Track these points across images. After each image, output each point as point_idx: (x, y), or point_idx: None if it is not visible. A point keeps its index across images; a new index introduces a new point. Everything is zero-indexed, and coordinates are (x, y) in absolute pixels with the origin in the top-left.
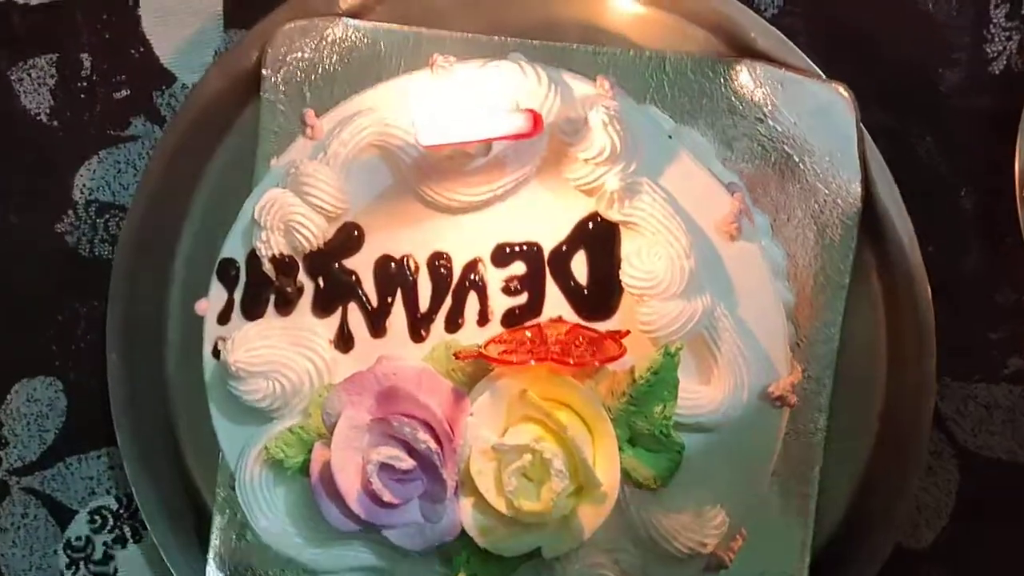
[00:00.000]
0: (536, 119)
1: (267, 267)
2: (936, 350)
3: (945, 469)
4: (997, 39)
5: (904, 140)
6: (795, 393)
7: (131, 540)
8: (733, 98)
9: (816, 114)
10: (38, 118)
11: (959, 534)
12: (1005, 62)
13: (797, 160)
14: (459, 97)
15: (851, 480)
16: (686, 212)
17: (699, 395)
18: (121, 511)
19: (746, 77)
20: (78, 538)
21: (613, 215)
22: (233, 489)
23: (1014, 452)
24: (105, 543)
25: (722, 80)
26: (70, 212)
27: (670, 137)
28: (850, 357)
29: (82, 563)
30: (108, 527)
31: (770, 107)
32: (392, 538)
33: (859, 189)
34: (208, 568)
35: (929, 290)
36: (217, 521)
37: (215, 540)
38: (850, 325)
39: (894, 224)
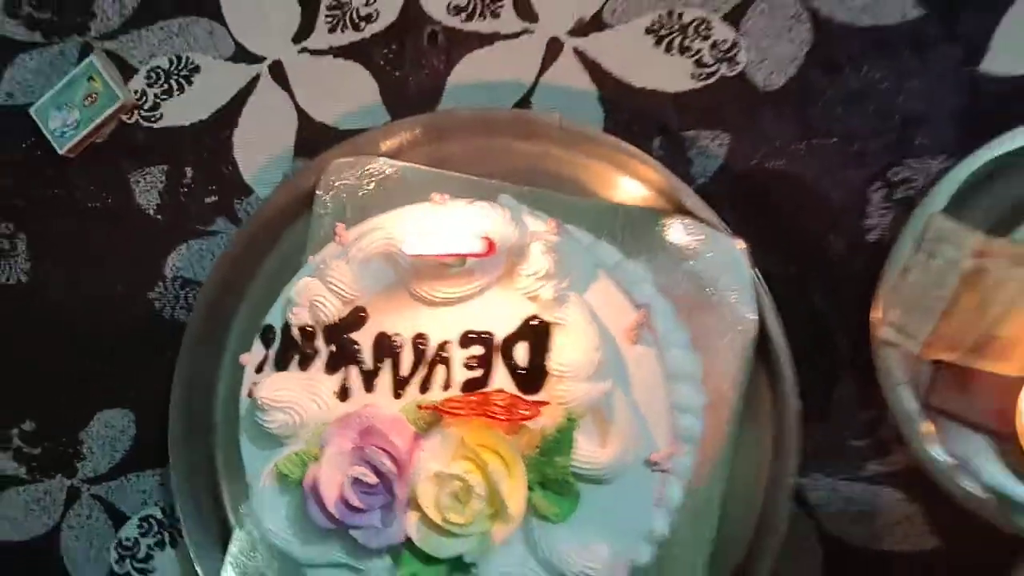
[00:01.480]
0: (491, 245)
1: (295, 333)
2: (803, 450)
3: (813, 551)
4: (874, 215)
5: (802, 287)
6: (670, 463)
7: (169, 545)
8: (667, 242)
9: (725, 261)
10: (147, 212)
11: None
12: (879, 233)
13: (711, 293)
14: (443, 224)
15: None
16: (600, 320)
17: (596, 454)
18: (165, 520)
19: (678, 227)
20: (128, 539)
21: (548, 317)
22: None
23: (868, 539)
24: (148, 545)
25: (660, 228)
26: (160, 284)
27: (596, 266)
28: (743, 450)
29: (128, 560)
30: (153, 532)
31: (693, 251)
32: (357, 537)
33: (755, 320)
34: (224, 570)
35: (800, 403)
36: (236, 532)
37: (233, 547)
38: (745, 426)
39: (781, 351)
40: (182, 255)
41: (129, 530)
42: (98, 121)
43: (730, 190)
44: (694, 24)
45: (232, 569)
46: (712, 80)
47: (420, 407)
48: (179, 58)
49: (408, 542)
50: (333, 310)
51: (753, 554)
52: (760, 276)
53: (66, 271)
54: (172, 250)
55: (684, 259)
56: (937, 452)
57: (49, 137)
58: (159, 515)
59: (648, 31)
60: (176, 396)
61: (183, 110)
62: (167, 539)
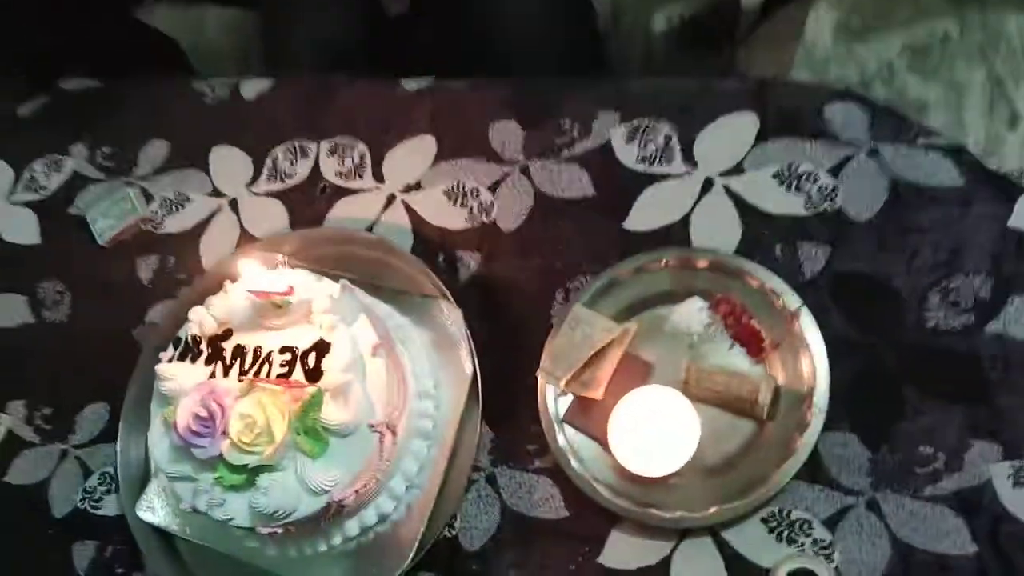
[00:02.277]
0: (290, 289)
1: (189, 340)
2: (496, 448)
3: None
4: (556, 308)
5: (507, 350)
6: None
7: (114, 492)
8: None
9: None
10: (143, 282)
11: None
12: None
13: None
14: (272, 278)
15: None
16: (356, 341)
17: (335, 416)
18: (114, 475)
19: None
20: (90, 487)
21: (327, 337)
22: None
23: (529, 510)
24: (102, 491)
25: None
26: (142, 325)
27: (360, 311)
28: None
29: (87, 500)
30: (106, 483)
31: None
32: (194, 451)
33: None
34: (138, 506)
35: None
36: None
37: (148, 489)
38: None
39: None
40: (158, 309)
41: (92, 480)
42: (125, 226)
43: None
44: None
45: (143, 502)
46: None
47: (241, 379)
48: (179, 192)
49: (222, 457)
50: (212, 327)
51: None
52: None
53: (87, 313)
54: (153, 304)
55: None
56: (566, 452)
57: (96, 234)
58: (112, 472)
59: None
60: (130, 393)
61: (178, 222)
62: (114, 488)
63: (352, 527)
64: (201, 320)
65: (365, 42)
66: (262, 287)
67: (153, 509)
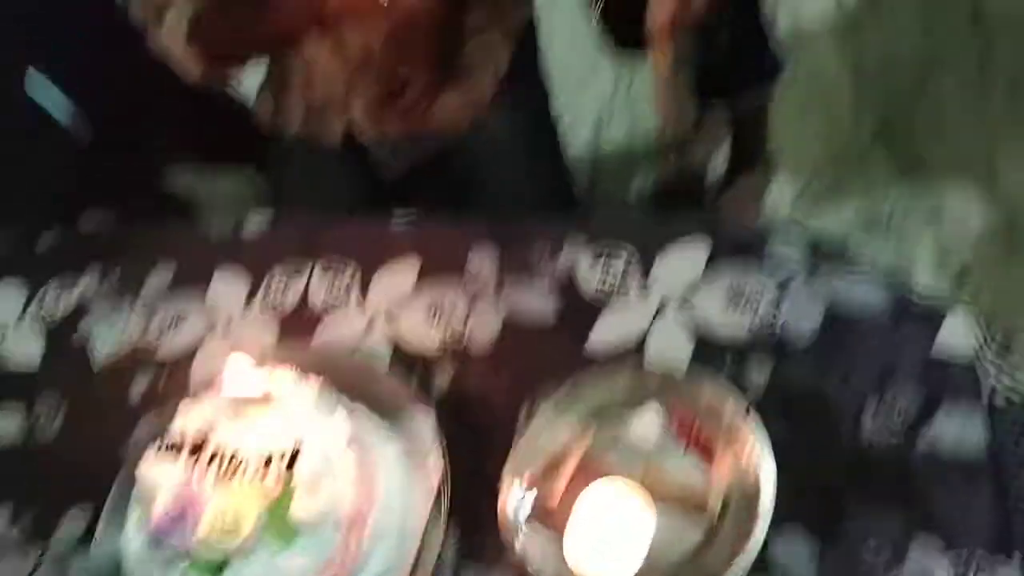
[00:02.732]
0: (267, 395)
1: (171, 442)
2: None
3: None
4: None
5: (480, 457)
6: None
7: None
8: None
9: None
10: (133, 403)
11: None
12: None
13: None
14: (259, 376)
15: None
16: (333, 433)
17: (304, 510)
18: None
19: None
20: None
21: (302, 434)
22: None
23: None
24: None
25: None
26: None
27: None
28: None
29: None
30: None
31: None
32: (167, 547)
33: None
34: None
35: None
36: None
37: None
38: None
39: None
40: (144, 426)
41: None
42: (122, 348)
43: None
44: None
45: None
46: None
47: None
48: (177, 316)
49: (192, 552)
50: (194, 428)
51: None
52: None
53: (77, 430)
54: (141, 421)
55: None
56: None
57: (94, 355)
58: None
59: None
60: (110, 502)
61: (173, 343)
62: None
63: None
64: (184, 421)
65: (361, 203)
66: (244, 391)
67: None
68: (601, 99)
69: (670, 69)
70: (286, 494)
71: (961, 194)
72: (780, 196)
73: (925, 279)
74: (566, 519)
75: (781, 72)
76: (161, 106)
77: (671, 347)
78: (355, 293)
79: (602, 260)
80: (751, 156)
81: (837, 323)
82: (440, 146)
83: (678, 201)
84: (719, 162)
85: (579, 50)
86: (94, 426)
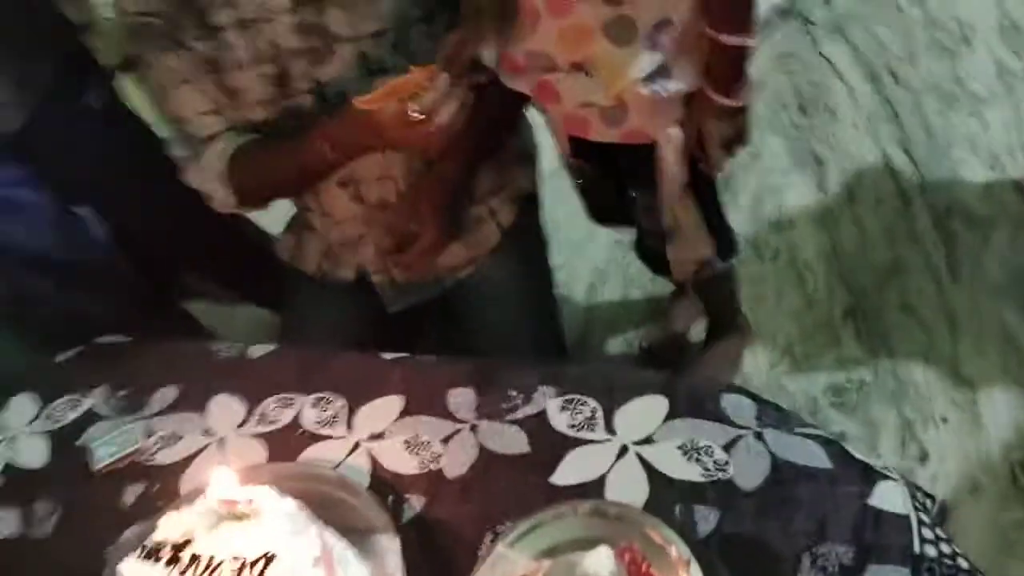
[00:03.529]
0: (250, 502)
1: (153, 546)
2: None
3: None
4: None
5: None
6: None
7: None
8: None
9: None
10: (125, 505)
11: None
12: None
13: None
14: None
15: None
16: (303, 550)
17: None
18: None
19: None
20: None
21: (275, 547)
22: None
23: None
24: None
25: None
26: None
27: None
28: None
29: None
30: None
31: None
32: None
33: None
34: None
35: None
36: None
37: None
38: None
39: None
40: (133, 529)
41: None
42: (121, 455)
43: None
44: None
45: None
46: None
47: None
48: (175, 432)
49: None
50: (176, 534)
51: None
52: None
53: (69, 531)
54: (130, 525)
55: None
56: None
57: (94, 462)
58: None
59: None
60: None
61: (169, 456)
62: None
63: None
64: (166, 527)
65: (366, 335)
66: (229, 496)
67: None
68: (596, 263)
69: (691, 217)
70: None
71: (924, 376)
72: (756, 365)
73: (888, 455)
74: None
75: (738, 253)
76: (186, 236)
77: (628, 488)
78: (342, 423)
79: (572, 405)
80: (724, 322)
81: (780, 478)
82: (442, 289)
83: (663, 359)
84: (699, 327)
85: (578, 216)
86: (87, 528)
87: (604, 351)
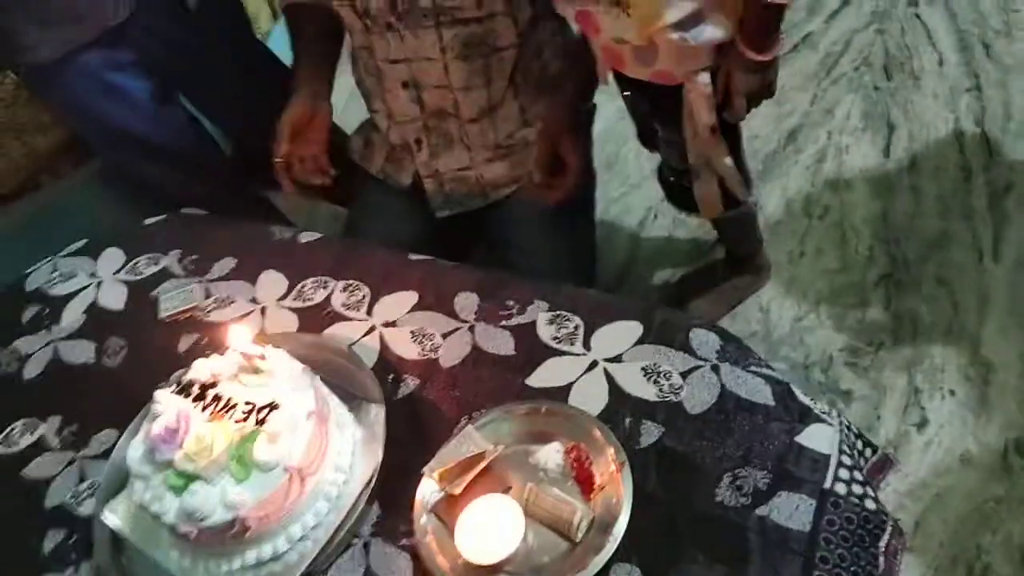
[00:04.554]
0: (263, 356)
1: (185, 383)
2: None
3: None
4: None
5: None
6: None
7: None
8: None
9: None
10: (176, 349)
11: None
12: None
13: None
14: (258, 348)
15: None
16: (301, 404)
17: (263, 454)
18: None
19: (375, 408)
20: None
21: (279, 398)
22: None
23: None
24: None
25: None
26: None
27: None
28: None
29: None
30: None
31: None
32: (157, 455)
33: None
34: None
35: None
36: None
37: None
38: None
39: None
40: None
41: (83, 486)
42: (182, 310)
43: None
44: None
45: (109, 506)
46: None
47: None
48: (229, 296)
49: (174, 462)
50: (205, 376)
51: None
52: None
53: (134, 367)
54: (181, 367)
55: None
56: (426, 536)
57: (160, 311)
58: (99, 480)
59: None
60: (133, 424)
61: (220, 316)
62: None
63: (251, 556)
64: (198, 369)
65: (417, 235)
66: (248, 351)
67: (116, 512)
68: (650, 201)
69: (720, 157)
70: (253, 436)
71: (943, 350)
72: (781, 315)
73: (888, 417)
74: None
75: (752, 194)
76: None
77: (590, 396)
78: (364, 308)
79: (558, 320)
80: (743, 259)
81: (724, 407)
82: (485, 202)
83: (692, 293)
84: (723, 264)
85: (634, 152)
86: (148, 365)
87: (642, 285)
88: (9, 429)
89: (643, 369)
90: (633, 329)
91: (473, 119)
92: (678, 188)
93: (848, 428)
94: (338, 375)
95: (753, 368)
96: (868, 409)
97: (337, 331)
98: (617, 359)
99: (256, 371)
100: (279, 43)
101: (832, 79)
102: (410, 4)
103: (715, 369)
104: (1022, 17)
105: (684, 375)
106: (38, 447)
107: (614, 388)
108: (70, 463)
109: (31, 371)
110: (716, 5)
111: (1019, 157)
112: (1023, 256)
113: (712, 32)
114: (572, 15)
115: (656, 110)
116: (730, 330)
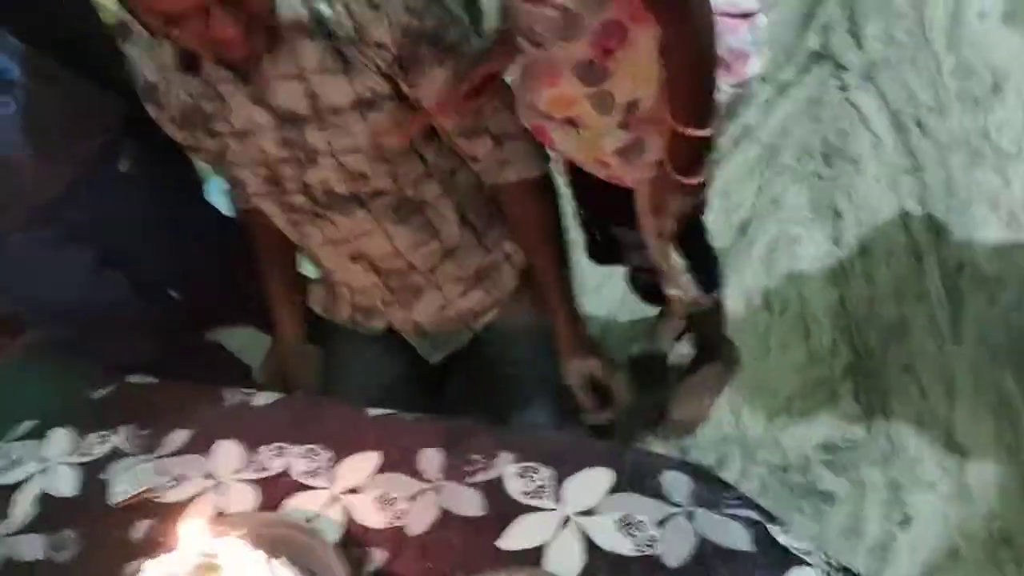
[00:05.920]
0: (215, 555)
1: None
2: None
3: None
4: None
5: None
6: None
7: None
8: None
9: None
10: (135, 539)
11: None
12: None
13: None
14: (213, 543)
15: None
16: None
17: None
18: None
19: None
20: None
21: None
22: None
23: None
24: None
25: None
26: None
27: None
28: None
29: None
30: None
31: None
32: None
33: None
34: None
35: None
36: None
37: None
38: None
39: None
40: (135, 564)
41: None
42: (135, 493)
43: None
44: None
45: None
46: None
47: None
48: (182, 473)
49: None
50: None
51: None
52: None
53: (85, 560)
54: (134, 560)
55: None
56: None
57: (112, 496)
58: None
59: None
60: None
61: (174, 495)
62: None
63: None
64: (150, 574)
65: (405, 380)
66: (202, 547)
67: None
68: (611, 302)
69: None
70: None
71: (917, 440)
72: (754, 417)
73: (872, 518)
74: None
75: (721, 286)
76: (216, 285)
77: (566, 555)
78: (325, 475)
79: (527, 472)
80: (711, 349)
81: (703, 558)
82: (472, 336)
83: (646, 378)
84: (683, 349)
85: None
86: (101, 558)
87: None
88: None
89: (618, 521)
90: (604, 476)
91: (433, 268)
92: (649, 288)
93: (830, 564)
94: (301, 555)
95: (728, 511)
96: (852, 510)
97: (299, 502)
98: (590, 512)
99: (210, 569)
100: (215, 193)
101: (775, 170)
102: (327, 196)
103: (689, 516)
104: (951, 93)
105: (660, 524)
106: None
107: (590, 545)
108: None
109: None
110: (650, 130)
111: (966, 235)
112: (983, 335)
113: (649, 154)
114: (527, 124)
115: (616, 212)
116: (703, 435)
